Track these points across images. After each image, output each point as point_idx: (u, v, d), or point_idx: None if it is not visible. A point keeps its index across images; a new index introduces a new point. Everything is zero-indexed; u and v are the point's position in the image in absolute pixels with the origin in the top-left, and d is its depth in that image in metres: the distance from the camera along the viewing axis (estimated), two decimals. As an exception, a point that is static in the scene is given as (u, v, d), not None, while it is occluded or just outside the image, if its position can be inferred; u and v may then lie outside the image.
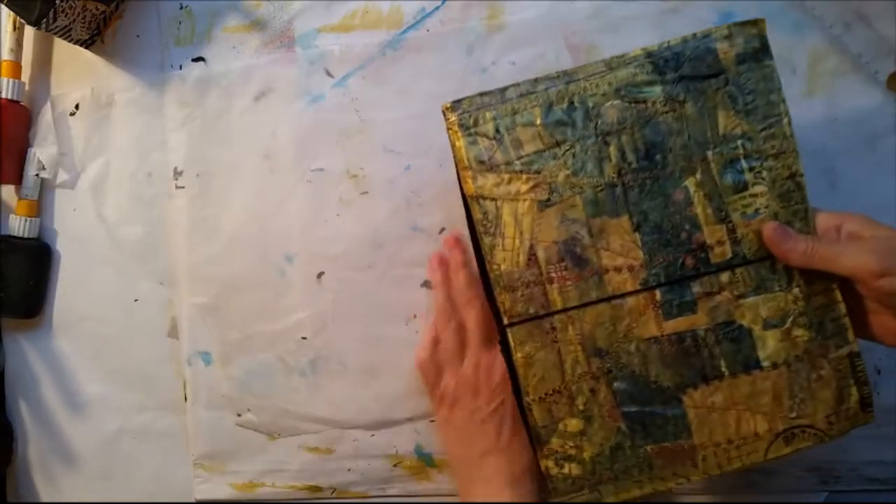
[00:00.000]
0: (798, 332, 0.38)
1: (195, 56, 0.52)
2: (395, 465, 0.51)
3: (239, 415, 0.53)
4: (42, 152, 0.55)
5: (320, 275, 0.51)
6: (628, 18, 0.47)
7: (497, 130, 0.39)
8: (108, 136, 0.54)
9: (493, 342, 0.42)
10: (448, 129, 0.40)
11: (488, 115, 0.39)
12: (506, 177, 0.39)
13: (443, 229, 0.49)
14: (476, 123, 0.39)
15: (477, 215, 0.39)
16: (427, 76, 0.49)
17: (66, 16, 0.50)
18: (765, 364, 0.38)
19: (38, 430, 0.57)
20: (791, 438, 0.38)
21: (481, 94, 0.39)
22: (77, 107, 0.54)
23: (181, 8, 0.53)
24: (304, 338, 0.51)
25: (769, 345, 0.38)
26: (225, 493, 0.54)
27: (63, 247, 0.56)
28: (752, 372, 0.38)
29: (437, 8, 0.49)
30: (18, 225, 0.54)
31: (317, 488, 0.52)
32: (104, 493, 0.56)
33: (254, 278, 0.52)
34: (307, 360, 0.51)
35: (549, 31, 0.48)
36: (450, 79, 0.48)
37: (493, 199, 0.39)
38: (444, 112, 0.40)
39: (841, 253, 0.35)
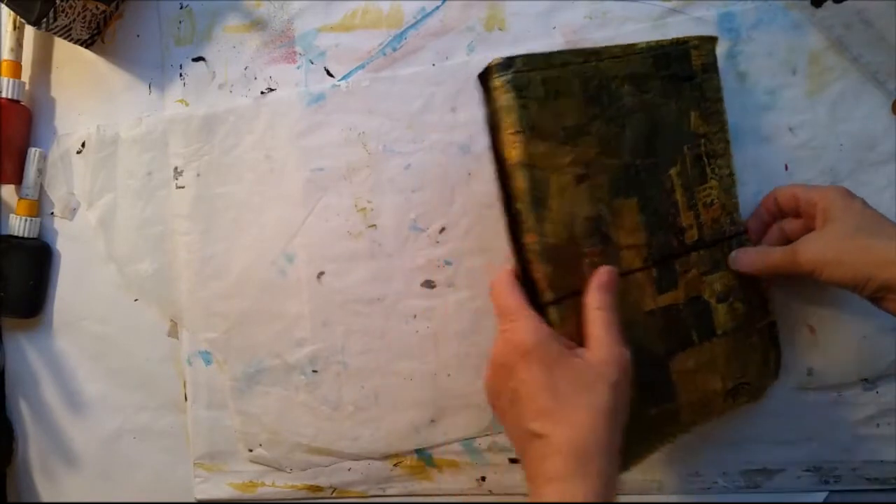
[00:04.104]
0: (737, 304, 0.43)
1: (195, 56, 0.53)
2: (395, 465, 0.51)
3: (251, 450, 0.53)
4: (54, 193, 0.55)
5: (320, 274, 0.51)
6: (628, 19, 0.47)
7: (546, 96, 0.38)
8: (115, 174, 0.54)
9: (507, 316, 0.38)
10: (494, 89, 0.38)
11: (538, 78, 0.38)
12: (553, 147, 0.38)
13: (443, 229, 0.49)
14: (527, 85, 0.37)
15: (524, 184, 0.37)
16: (427, 76, 0.49)
17: (66, 15, 0.50)
18: (719, 332, 0.43)
19: (38, 430, 0.57)
20: (735, 395, 0.44)
21: (529, 56, 0.38)
22: (83, 145, 0.55)
23: (181, 7, 0.53)
24: (304, 337, 0.51)
25: (720, 316, 0.43)
26: (225, 493, 0.54)
27: (63, 247, 0.56)
28: (712, 339, 0.43)
29: (437, 8, 0.49)
30: (18, 225, 0.54)
31: (317, 488, 0.52)
32: (104, 493, 0.56)
33: (254, 278, 0.52)
34: (307, 359, 0.51)
35: (549, 31, 0.48)
36: (450, 79, 0.48)
37: (543, 169, 0.38)
38: (490, 69, 0.38)
39: (782, 257, 0.41)
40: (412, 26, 0.49)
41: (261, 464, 0.53)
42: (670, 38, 0.43)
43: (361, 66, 0.50)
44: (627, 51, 0.41)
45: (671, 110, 0.42)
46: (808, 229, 0.41)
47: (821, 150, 0.46)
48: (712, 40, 0.44)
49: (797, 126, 0.46)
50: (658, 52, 0.41)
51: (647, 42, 0.42)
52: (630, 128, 0.40)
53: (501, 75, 0.37)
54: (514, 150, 0.37)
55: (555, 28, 0.48)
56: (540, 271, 0.38)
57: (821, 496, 0.47)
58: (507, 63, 0.37)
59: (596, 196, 0.39)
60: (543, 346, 0.35)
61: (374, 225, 0.50)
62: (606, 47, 0.40)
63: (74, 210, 0.55)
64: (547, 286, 0.38)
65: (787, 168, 0.46)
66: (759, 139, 0.46)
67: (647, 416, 0.40)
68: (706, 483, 0.48)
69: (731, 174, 0.44)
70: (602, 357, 0.35)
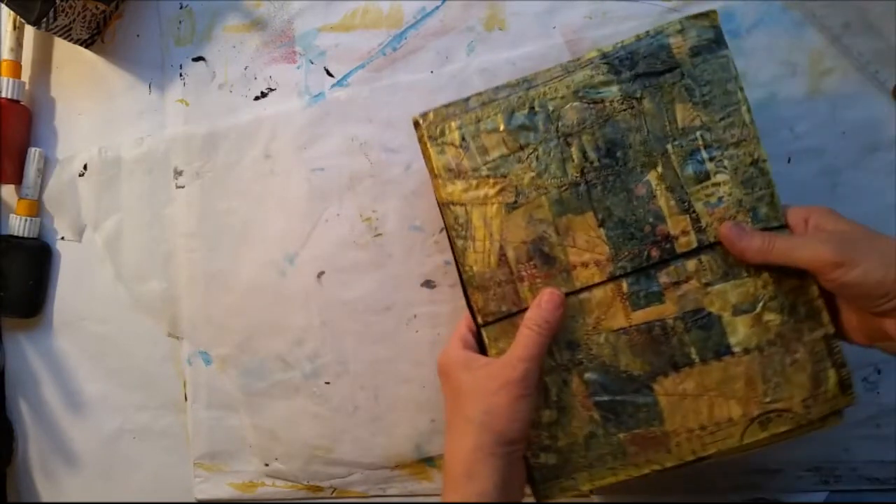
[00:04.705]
0: (769, 316, 0.38)
1: (195, 56, 0.53)
2: (395, 466, 0.51)
3: (267, 464, 0.53)
4: (60, 219, 0.55)
5: (320, 274, 0.51)
6: (628, 18, 0.47)
7: (463, 139, 0.41)
8: (119, 195, 0.54)
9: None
10: (419, 140, 0.42)
11: (453, 124, 0.41)
12: (473, 182, 0.41)
13: (443, 228, 0.48)
14: (442, 133, 0.41)
15: (448, 221, 0.41)
16: (427, 76, 0.49)
17: (66, 15, 0.50)
18: (736, 350, 0.38)
19: (38, 430, 0.57)
20: (767, 423, 0.38)
21: (446, 106, 0.41)
22: (85, 167, 0.55)
23: (181, 7, 0.53)
24: (304, 340, 0.51)
25: (740, 330, 0.38)
26: (225, 492, 0.54)
27: (63, 247, 0.56)
28: (724, 358, 0.38)
29: (437, 8, 0.49)
30: (18, 225, 0.54)
31: (317, 488, 0.52)
32: (104, 493, 0.56)
33: (262, 291, 0.52)
34: (319, 370, 0.51)
35: (549, 31, 0.48)
36: (450, 79, 0.48)
37: (463, 205, 0.41)
38: (413, 124, 0.42)
39: (796, 245, 0.36)
40: (412, 26, 0.49)
41: (278, 478, 0.53)
42: (638, 32, 0.40)
43: (361, 66, 0.50)
44: (570, 67, 0.40)
45: (642, 111, 0.40)
46: None
47: (821, 149, 0.46)
48: (706, 16, 0.39)
49: (798, 125, 0.46)
50: (617, 56, 0.40)
51: (601, 48, 0.40)
52: (578, 144, 0.40)
53: (419, 129, 0.41)
54: (436, 192, 0.41)
55: (555, 28, 0.48)
56: (473, 297, 0.41)
57: (821, 496, 0.47)
58: (422, 117, 0.41)
59: (536, 218, 0.40)
60: (448, 366, 0.39)
61: (381, 234, 0.50)
62: (542, 71, 0.41)
63: (81, 232, 0.55)
64: (478, 311, 0.41)
65: (789, 160, 0.46)
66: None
67: (614, 440, 0.39)
68: (706, 483, 0.48)
69: (756, 162, 0.39)
70: (490, 371, 0.37)
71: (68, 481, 0.57)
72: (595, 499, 0.49)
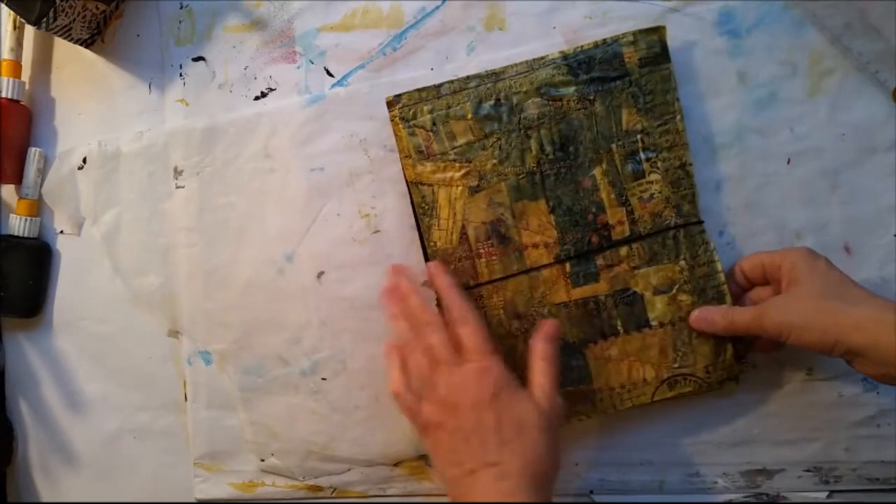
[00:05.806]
0: (682, 297, 0.44)
1: (195, 55, 0.53)
2: (395, 465, 0.51)
3: (262, 459, 0.53)
4: (60, 213, 0.55)
5: (320, 274, 0.51)
6: (629, 18, 0.47)
7: (433, 123, 0.45)
8: (118, 188, 0.54)
9: (462, 358, 0.41)
10: (391, 120, 0.46)
11: (425, 108, 0.45)
12: (441, 165, 0.45)
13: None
14: (415, 116, 0.45)
15: (416, 198, 0.46)
16: (427, 76, 0.49)
17: (66, 15, 0.50)
18: (653, 323, 0.45)
19: (38, 430, 0.57)
20: (674, 384, 0.45)
21: (419, 90, 0.45)
22: (84, 160, 0.54)
23: (181, 7, 0.53)
24: (312, 344, 0.51)
25: (657, 307, 0.45)
26: (225, 492, 0.54)
27: (63, 247, 0.56)
28: (643, 330, 0.45)
29: (437, 8, 0.49)
30: (18, 224, 0.54)
31: (317, 488, 0.52)
32: (104, 493, 0.56)
33: (259, 287, 0.51)
34: (316, 367, 0.51)
35: (549, 31, 0.48)
36: (450, 79, 0.48)
37: (430, 185, 0.45)
38: (387, 105, 0.45)
39: (749, 320, 0.41)
40: (412, 26, 0.49)
41: (273, 473, 0.53)
42: (594, 39, 0.44)
43: (361, 66, 0.50)
44: (535, 65, 0.44)
45: (594, 112, 0.44)
46: (777, 294, 0.42)
47: (821, 149, 0.46)
48: (656, 31, 0.44)
49: (797, 125, 0.46)
50: (576, 59, 0.44)
51: (563, 51, 0.44)
52: (536, 137, 0.44)
53: (393, 110, 0.45)
54: (406, 171, 0.46)
55: (555, 28, 0.48)
56: None
57: (821, 496, 0.47)
58: (396, 99, 0.45)
59: (495, 202, 0.45)
60: (506, 389, 0.39)
61: (379, 231, 0.50)
62: (510, 66, 0.45)
63: (80, 225, 0.55)
64: None
65: (788, 161, 0.46)
66: (760, 138, 0.46)
67: None
68: (706, 483, 0.48)
69: (684, 165, 0.44)
70: (547, 407, 0.39)
71: (68, 481, 0.57)
72: (595, 498, 0.49)
